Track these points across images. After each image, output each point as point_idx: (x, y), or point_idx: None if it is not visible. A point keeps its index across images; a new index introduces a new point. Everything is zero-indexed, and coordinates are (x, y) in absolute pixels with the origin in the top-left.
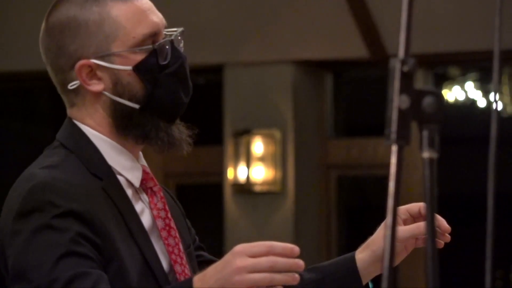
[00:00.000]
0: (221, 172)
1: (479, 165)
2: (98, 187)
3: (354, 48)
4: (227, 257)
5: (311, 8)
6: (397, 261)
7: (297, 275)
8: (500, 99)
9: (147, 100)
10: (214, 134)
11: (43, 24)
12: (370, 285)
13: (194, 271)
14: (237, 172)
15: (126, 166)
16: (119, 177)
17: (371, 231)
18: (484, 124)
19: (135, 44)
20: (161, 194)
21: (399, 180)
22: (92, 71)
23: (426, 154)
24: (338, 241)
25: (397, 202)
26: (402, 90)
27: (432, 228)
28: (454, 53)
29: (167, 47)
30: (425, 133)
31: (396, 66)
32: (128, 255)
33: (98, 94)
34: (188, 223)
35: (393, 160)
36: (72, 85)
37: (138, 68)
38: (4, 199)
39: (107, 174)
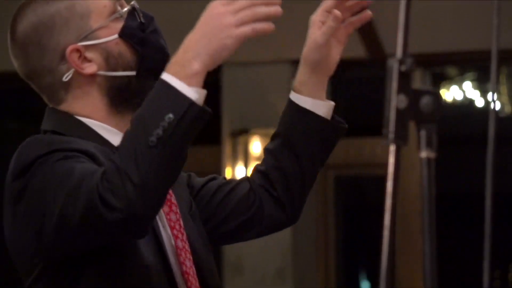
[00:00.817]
0: (219, 172)
1: (477, 165)
2: (97, 146)
3: (351, 47)
4: (207, 18)
5: (309, 8)
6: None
7: (272, 24)
8: (498, 98)
9: (140, 63)
10: (212, 133)
11: (10, 39)
12: (367, 285)
13: (200, 231)
14: (235, 172)
15: None
16: None
17: (369, 231)
18: (482, 124)
19: (110, 12)
20: None
21: (397, 180)
22: (81, 55)
23: (424, 154)
24: (336, 241)
25: (395, 202)
26: (400, 90)
27: (430, 229)
28: (452, 52)
29: (137, 7)
30: (423, 133)
31: (394, 66)
32: None
33: (92, 77)
34: (191, 178)
35: (391, 159)
36: (66, 77)
37: (124, 34)
38: (2, 197)
39: (107, 146)
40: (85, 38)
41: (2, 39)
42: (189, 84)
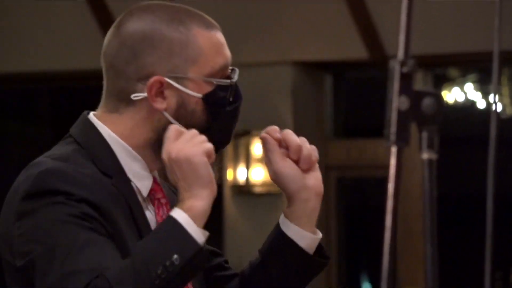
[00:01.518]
0: (221, 173)
1: (479, 166)
2: (108, 182)
3: (353, 49)
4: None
5: (310, 9)
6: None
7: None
8: (500, 100)
9: (203, 132)
10: None
11: (114, 28)
12: (368, 286)
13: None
14: (237, 173)
15: (137, 173)
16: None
17: (370, 232)
18: (483, 125)
19: (211, 73)
20: (168, 207)
21: (399, 181)
22: (160, 88)
23: (425, 155)
24: (337, 242)
25: (397, 203)
26: (402, 91)
27: (431, 230)
28: (453, 54)
29: (236, 84)
30: (425, 134)
31: (395, 67)
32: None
33: (155, 112)
34: None
35: (393, 161)
36: (135, 96)
37: (207, 98)
38: (2, 198)
39: (117, 173)
40: (175, 78)
41: (4, 42)
42: (199, 225)
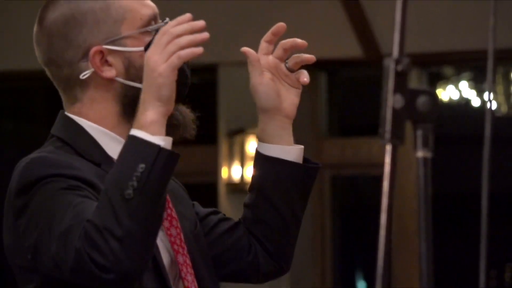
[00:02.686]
0: (215, 172)
1: (473, 164)
2: (97, 169)
3: (348, 47)
4: (145, 69)
5: (305, 7)
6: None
7: (200, 48)
8: (494, 98)
9: None
10: (208, 133)
11: (38, 24)
12: (363, 284)
13: (202, 251)
14: (231, 172)
15: None
16: None
17: (365, 230)
18: (478, 124)
19: (143, 25)
20: None
21: (393, 180)
22: (103, 58)
23: (420, 154)
24: (332, 240)
25: (391, 202)
26: (396, 90)
27: (426, 229)
28: (448, 52)
29: None
30: (419, 133)
31: (390, 66)
32: None
33: (109, 82)
34: (194, 206)
35: (387, 159)
36: (84, 75)
37: (149, 47)
38: (1, 197)
39: (105, 159)
40: (112, 42)
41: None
42: (152, 133)
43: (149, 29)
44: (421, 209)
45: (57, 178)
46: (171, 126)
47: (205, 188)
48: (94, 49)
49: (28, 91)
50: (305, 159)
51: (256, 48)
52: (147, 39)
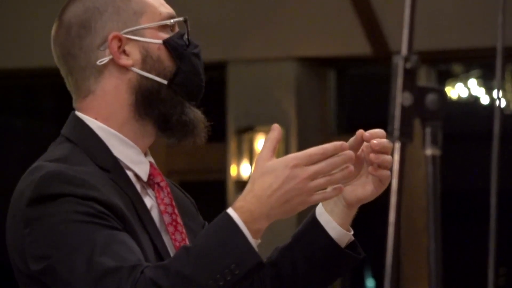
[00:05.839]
0: (224, 169)
1: (482, 162)
2: (107, 177)
3: (357, 45)
4: (289, 177)
5: (314, 4)
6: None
7: (351, 166)
8: (503, 96)
9: (174, 76)
10: (217, 131)
11: (57, 21)
12: (372, 282)
13: None
14: (240, 169)
15: (134, 159)
16: (126, 171)
17: (374, 228)
18: (487, 121)
19: (162, 20)
20: (168, 189)
21: (402, 177)
22: (121, 46)
23: (429, 151)
24: None
25: (400, 199)
26: (405, 87)
27: (435, 226)
28: (457, 50)
29: (188, 29)
30: (428, 130)
31: (399, 63)
32: (143, 244)
33: (125, 72)
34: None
35: (396, 157)
36: (101, 61)
37: (168, 43)
38: (7, 195)
39: (113, 166)
40: (131, 32)
41: (5, 38)
42: (255, 237)
43: (167, 22)
44: (430, 207)
45: (77, 199)
46: (184, 132)
47: (214, 186)
48: (113, 34)
49: (37, 88)
50: (353, 245)
51: (265, 45)
52: (166, 35)
